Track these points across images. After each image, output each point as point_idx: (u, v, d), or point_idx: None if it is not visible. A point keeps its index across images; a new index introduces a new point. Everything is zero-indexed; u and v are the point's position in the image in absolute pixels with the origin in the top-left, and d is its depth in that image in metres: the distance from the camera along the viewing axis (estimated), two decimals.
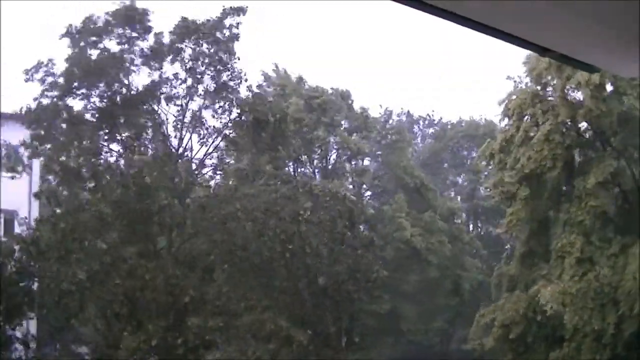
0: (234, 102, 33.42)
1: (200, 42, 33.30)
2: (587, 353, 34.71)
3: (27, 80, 32.66)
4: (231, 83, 33.56)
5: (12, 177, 32.76)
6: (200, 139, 33.65)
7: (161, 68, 33.71)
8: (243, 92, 34.12)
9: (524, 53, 36.82)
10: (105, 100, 33.23)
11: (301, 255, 30.54)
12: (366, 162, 60.09)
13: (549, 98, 37.82)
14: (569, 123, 37.41)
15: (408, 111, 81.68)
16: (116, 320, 25.98)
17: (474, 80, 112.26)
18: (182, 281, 26.83)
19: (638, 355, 34.29)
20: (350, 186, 50.12)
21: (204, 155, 34.45)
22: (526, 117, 37.76)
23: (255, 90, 34.18)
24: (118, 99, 33.13)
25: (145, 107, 33.57)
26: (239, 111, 33.22)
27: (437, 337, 68.86)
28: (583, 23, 4.35)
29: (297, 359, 26.53)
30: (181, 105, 33.75)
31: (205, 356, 25.48)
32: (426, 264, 57.58)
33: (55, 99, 33.12)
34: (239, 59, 33.72)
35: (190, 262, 28.14)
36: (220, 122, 33.93)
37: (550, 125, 35.98)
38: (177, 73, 33.63)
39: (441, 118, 77.26)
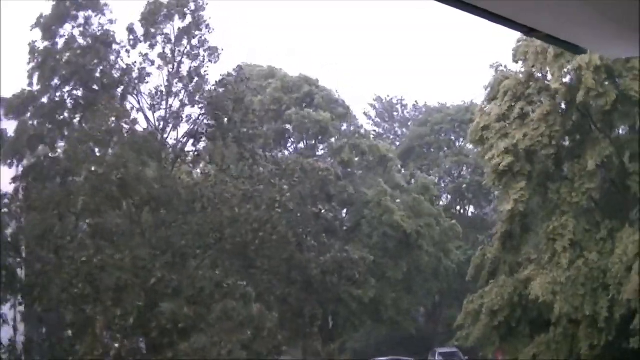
0: (202, 90, 32.85)
1: (171, 22, 32.74)
2: (584, 339, 34.57)
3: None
4: (201, 68, 33.04)
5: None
6: (173, 126, 33.05)
7: (130, 52, 33.15)
8: (214, 78, 33.50)
9: (507, 39, 36.83)
10: (81, 88, 32.71)
11: (275, 242, 30.14)
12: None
13: (546, 81, 37.47)
14: (565, 105, 37.19)
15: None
16: (81, 301, 25.48)
17: (457, 66, 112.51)
18: (150, 263, 26.45)
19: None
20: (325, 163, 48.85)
21: (177, 141, 33.79)
22: (519, 99, 37.42)
23: (221, 82, 33.37)
24: (95, 85, 32.62)
25: (120, 92, 33.03)
26: (206, 103, 32.64)
27: (422, 319, 69.24)
28: (569, 3, 4.29)
29: (269, 347, 26.15)
30: (156, 92, 33.15)
31: (179, 343, 25.10)
32: (417, 248, 57.34)
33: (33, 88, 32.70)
34: (209, 32, 33.12)
35: (163, 245, 27.73)
36: (191, 111, 33.39)
37: (549, 105, 35.77)
38: (146, 54, 32.98)
39: (425, 103, 77.41)
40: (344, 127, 57.76)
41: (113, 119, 31.19)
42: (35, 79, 32.56)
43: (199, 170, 34.41)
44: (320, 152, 55.72)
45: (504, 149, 36.91)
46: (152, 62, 32.85)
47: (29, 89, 32.62)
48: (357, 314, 56.11)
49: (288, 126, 56.89)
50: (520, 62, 38.41)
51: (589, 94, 34.82)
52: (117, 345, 23.89)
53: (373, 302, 54.59)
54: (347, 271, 35.33)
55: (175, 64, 32.70)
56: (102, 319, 24.19)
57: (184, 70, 32.72)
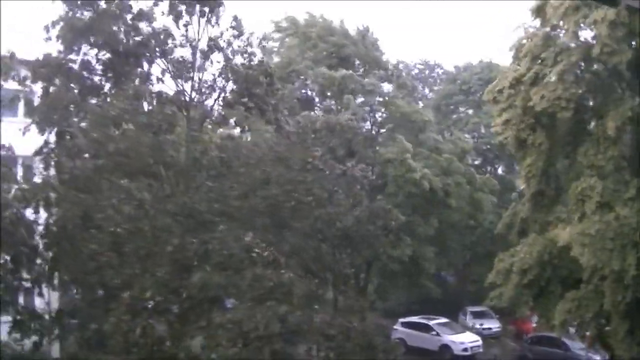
0: (228, 58, 32.78)
1: None
2: (609, 294, 34.42)
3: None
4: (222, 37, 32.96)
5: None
6: (199, 92, 33.07)
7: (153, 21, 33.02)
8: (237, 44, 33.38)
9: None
10: (106, 53, 32.67)
11: (309, 202, 30.09)
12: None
13: (562, 40, 37.06)
14: (583, 64, 36.73)
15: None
16: (109, 270, 25.69)
17: (484, 27, 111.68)
18: (177, 230, 26.55)
19: None
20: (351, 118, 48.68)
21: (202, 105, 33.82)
22: (538, 60, 37.10)
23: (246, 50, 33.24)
24: (121, 48, 32.56)
25: (145, 58, 32.99)
26: (230, 75, 32.57)
27: (452, 279, 69.47)
28: None
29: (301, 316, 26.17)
30: (182, 59, 33.08)
31: (209, 312, 25.24)
32: (446, 206, 57.37)
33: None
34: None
35: (191, 211, 27.79)
36: (215, 78, 33.32)
37: (564, 66, 35.33)
38: (168, 28, 32.86)
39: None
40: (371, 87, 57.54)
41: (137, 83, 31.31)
42: (58, 44, 32.55)
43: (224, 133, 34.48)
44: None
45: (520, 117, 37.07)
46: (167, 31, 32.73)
47: (54, 54, 32.64)
48: (390, 274, 56.44)
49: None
50: (539, 20, 38.04)
51: (603, 51, 34.44)
52: (146, 313, 24.02)
53: (410, 261, 54.88)
54: (381, 220, 35.20)
55: (200, 34, 32.67)
56: (131, 289, 24.34)
57: (205, 39, 32.69)
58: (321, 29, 58.09)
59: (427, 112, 61.43)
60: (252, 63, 32.73)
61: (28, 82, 32.71)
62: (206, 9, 32.31)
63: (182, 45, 32.74)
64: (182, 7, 32.28)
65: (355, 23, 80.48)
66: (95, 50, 32.75)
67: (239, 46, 33.01)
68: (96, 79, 33.12)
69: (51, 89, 32.51)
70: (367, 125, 58.37)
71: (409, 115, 57.16)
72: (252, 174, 29.49)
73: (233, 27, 32.90)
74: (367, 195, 39.16)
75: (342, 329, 27.62)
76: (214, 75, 32.90)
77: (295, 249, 29.90)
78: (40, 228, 29.78)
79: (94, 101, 32.51)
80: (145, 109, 31.13)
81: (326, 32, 58.01)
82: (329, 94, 56.35)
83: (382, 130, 58.29)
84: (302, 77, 56.07)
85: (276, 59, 56.85)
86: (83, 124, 31.55)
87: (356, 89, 56.10)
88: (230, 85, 32.74)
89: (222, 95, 32.84)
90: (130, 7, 32.61)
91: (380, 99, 57.98)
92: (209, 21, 32.46)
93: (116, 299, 24.81)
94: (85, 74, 32.81)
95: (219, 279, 25.07)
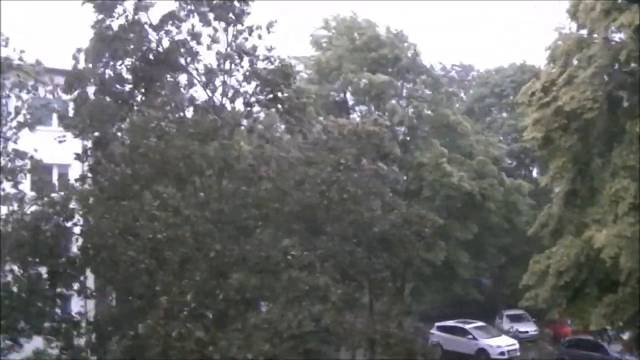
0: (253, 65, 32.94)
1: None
2: None
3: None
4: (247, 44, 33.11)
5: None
6: (225, 97, 33.23)
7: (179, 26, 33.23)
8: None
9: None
10: (136, 61, 32.88)
11: (343, 202, 30.15)
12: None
13: (595, 41, 36.99)
14: (616, 66, 36.53)
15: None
16: (147, 276, 25.93)
17: (518, 29, 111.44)
18: (213, 235, 26.76)
19: None
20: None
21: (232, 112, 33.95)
22: (574, 62, 37.08)
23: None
24: (151, 55, 32.80)
25: (175, 65, 33.19)
26: (254, 77, 32.71)
27: (488, 281, 69.17)
28: None
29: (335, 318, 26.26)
30: (209, 67, 33.27)
31: (246, 314, 25.45)
32: (484, 209, 57.31)
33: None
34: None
35: (227, 216, 27.98)
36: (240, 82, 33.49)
37: (595, 68, 35.22)
38: (196, 32, 33.04)
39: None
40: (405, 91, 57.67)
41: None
42: (87, 55, 32.80)
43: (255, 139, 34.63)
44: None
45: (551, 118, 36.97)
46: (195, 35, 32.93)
47: (83, 65, 32.90)
48: (425, 277, 56.39)
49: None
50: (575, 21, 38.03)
51: (630, 55, 34.26)
52: (183, 316, 24.28)
53: (444, 265, 54.82)
54: (416, 226, 35.23)
55: (227, 41, 32.85)
56: (169, 292, 24.60)
57: (234, 46, 32.81)
58: (370, 39, 57.92)
59: (465, 117, 61.46)
60: (274, 65, 32.77)
61: (59, 91, 33.17)
62: (231, 15, 32.54)
63: (209, 48, 32.91)
64: (210, 15, 32.51)
65: (385, 22, 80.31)
66: (125, 59, 32.97)
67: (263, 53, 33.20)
68: (127, 87, 33.35)
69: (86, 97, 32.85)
70: (404, 129, 58.44)
71: (446, 120, 57.22)
72: (285, 177, 29.61)
73: (254, 29, 32.99)
74: (402, 198, 39.10)
75: (382, 334, 27.67)
76: (238, 81, 33.06)
77: (330, 253, 29.95)
78: (77, 237, 30.10)
79: (125, 109, 32.75)
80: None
81: (375, 40, 57.93)
82: (366, 98, 56.47)
83: (419, 134, 58.24)
84: (342, 78, 56.02)
85: (326, 54, 57.21)
86: (119, 133, 31.84)
87: (395, 94, 56.26)
88: (252, 87, 32.88)
89: (247, 99, 33.00)
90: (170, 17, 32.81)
91: (416, 103, 57.93)
92: (234, 26, 32.69)
93: (153, 304, 25.08)
94: (117, 84, 33.08)
95: (255, 282, 25.29)
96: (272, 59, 32.46)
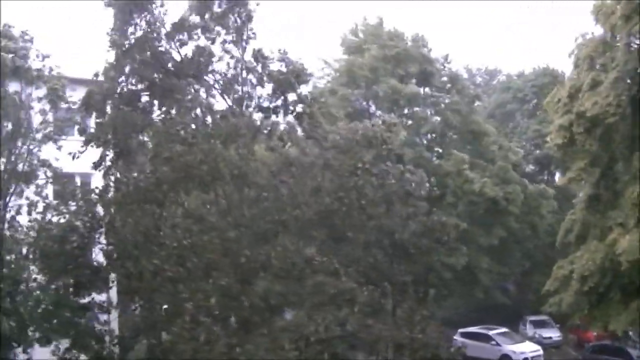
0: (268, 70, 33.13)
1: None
2: None
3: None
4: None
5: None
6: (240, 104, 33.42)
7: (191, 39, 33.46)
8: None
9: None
10: (155, 72, 33.11)
11: (362, 207, 30.12)
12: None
13: (617, 44, 36.93)
14: (639, 70, 36.43)
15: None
16: (173, 284, 26.04)
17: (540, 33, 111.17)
18: (238, 241, 26.86)
19: None
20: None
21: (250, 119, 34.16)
22: (597, 66, 37.01)
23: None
24: (170, 65, 33.06)
25: (191, 77, 33.44)
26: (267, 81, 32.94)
27: (511, 287, 68.83)
28: None
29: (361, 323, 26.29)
30: (225, 74, 33.49)
31: (271, 319, 25.53)
32: (507, 214, 57.17)
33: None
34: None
35: (250, 223, 28.07)
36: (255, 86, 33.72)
37: (617, 73, 35.12)
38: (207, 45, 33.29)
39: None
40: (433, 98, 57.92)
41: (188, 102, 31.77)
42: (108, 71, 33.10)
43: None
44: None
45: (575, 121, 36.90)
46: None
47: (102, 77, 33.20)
48: (448, 283, 56.25)
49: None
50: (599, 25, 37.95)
51: None
52: (208, 322, 24.38)
53: (465, 270, 54.70)
54: (437, 234, 35.13)
55: (241, 48, 33.08)
56: (194, 299, 24.71)
57: (248, 53, 33.10)
58: (400, 54, 57.95)
59: (488, 122, 61.52)
60: (287, 68, 32.98)
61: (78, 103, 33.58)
62: (238, 23, 32.83)
63: (221, 60, 33.24)
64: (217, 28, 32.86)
65: (404, 24, 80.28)
66: (142, 69, 33.21)
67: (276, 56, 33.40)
68: (144, 98, 33.63)
69: (107, 108, 33.19)
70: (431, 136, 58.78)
71: (477, 127, 57.52)
72: (303, 184, 29.61)
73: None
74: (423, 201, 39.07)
75: (407, 340, 27.64)
76: (252, 83, 33.28)
77: (353, 259, 29.95)
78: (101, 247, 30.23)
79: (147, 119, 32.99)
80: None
81: (404, 53, 58.00)
82: (394, 107, 56.64)
83: (446, 141, 58.45)
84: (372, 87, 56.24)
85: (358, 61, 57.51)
86: (145, 138, 32.09)
87: (420, 102, 56.76)
88: (267, 91, 33.16)
89: (259, 103, 33.28)
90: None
91: (444, 110, 58.14)
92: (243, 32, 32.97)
93: (178, 311, 25.20)
94: (138, 95, 33.38)
95: (279, 288, 25.38)
96: (287, 61, 32.75)
